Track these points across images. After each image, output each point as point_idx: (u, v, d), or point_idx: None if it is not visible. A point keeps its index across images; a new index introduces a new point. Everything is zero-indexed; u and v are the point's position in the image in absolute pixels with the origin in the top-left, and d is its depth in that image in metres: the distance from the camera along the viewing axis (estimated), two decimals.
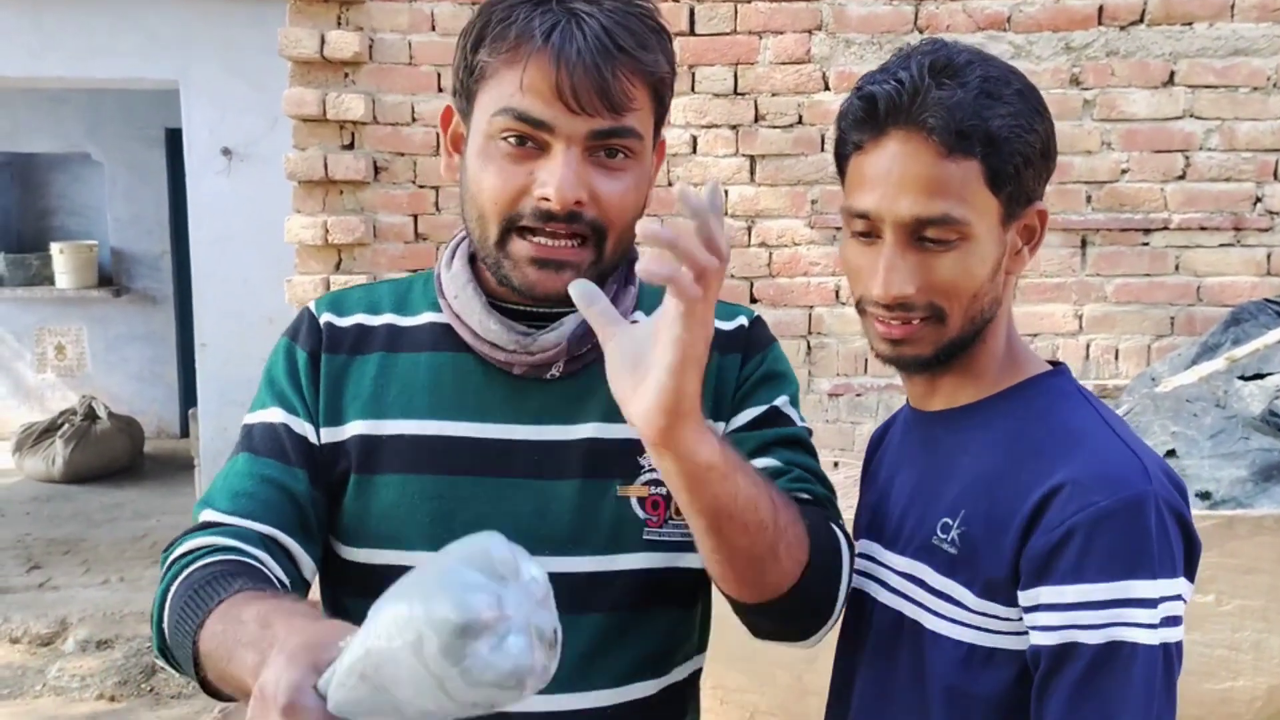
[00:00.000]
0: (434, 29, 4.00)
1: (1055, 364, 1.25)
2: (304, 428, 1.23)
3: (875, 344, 1.21)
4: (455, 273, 1.26)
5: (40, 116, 8.05)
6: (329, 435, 1.23)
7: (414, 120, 4.01)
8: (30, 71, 5.42)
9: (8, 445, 7.47)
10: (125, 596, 5.18)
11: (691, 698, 1.35)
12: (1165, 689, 1.07)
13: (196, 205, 5.32)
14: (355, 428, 1.22)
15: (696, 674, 1.35)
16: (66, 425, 7.34)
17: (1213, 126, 3.85)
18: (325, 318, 1.28)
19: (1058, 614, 1.07)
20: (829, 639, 1.31)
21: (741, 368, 1.28)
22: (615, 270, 1.24)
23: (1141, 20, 3.84)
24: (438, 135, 3.98)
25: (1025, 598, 1.09)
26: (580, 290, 0.98)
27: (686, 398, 0.91)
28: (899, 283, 1.13)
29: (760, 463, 1.20)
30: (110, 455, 7.40)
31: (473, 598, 0.72)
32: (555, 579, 1.04)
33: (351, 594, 1.24)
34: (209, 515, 1.18)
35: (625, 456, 1.22)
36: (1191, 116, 3.85)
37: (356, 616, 1.15)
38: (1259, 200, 3.86)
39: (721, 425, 1.26)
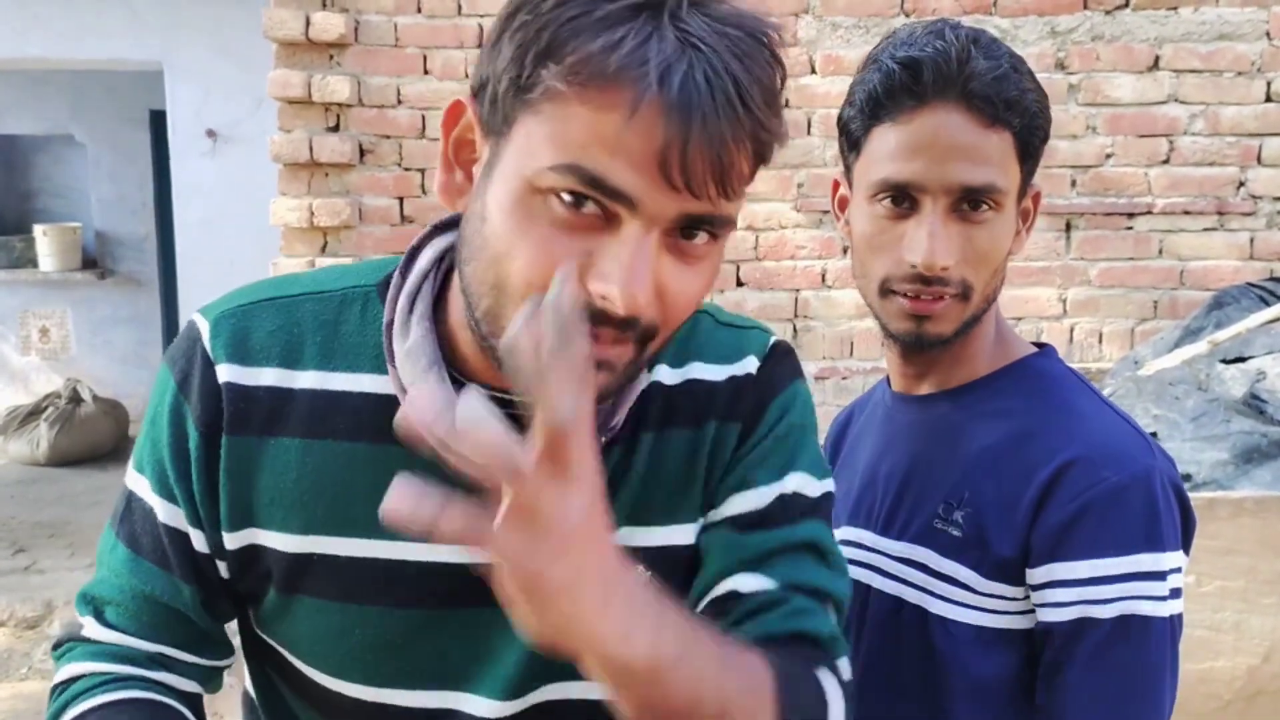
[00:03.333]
0: (419, 10, 3.97)
1: (1040, 345, 1.25)
2: (186, 527, 0.99)
3: (896, 323, 1.16)
4: (414, 347, 0.93)
5: (23, 98, 7.98)
6: (236, 540, 0.98)
7: (399, 102, 4.00)
8: (13, 52, 5.38)
9: None
10: None
11: None
12: (1173, 659, 1.09)
13: (181, 187, 5.30)
14: (275, 540, 0.97)
15: None
16: (51, 408, 7.31)
17: (1197, 111, 3.86)
18: (225, 372, 0.96)
19: (1070, 590, 1.07)
20: None
21: (741, 441, 1.00)
22: None
23: (1126, 5, 3.84)
24: (424, 117, 4.01)
25: (1035, 575, 1.09)
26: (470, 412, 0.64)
27: (572, 629, 0.67)
28: (943, 252, 1.10)
29: (748, 584, 0.95)
30: (95, 438, 7.37)
31: None
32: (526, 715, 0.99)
33: (278, 673, 1.07)
34: (94, 631, 1.01)
35: None
36: (1176, 101, 3.86)
37: (283, 690, 1.08)
38: (1242, 185, 3.88)
39: (698, 525, 0.99)
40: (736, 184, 0.82)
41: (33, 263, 8.12)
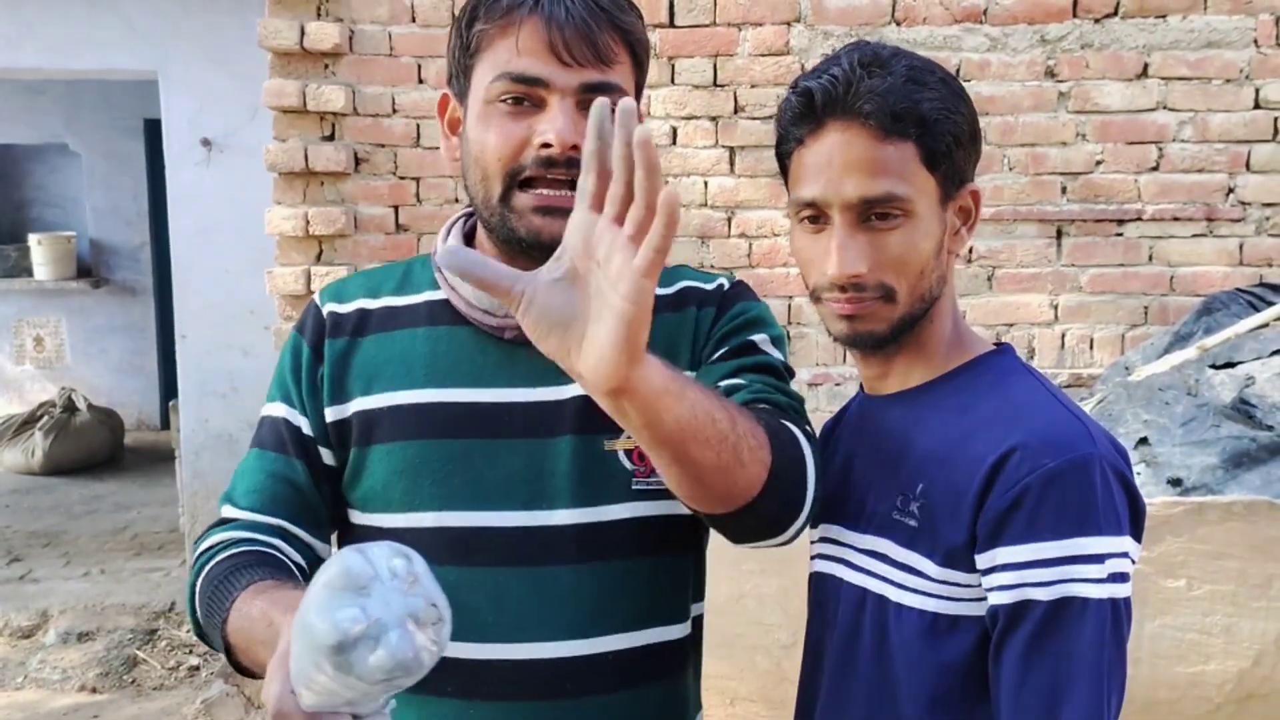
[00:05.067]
0: (414, 20, 4.00)
1: (999, 344, 1.31)
2: (299, 420, 1.34)
3: (832, 326, 1.26)
4: (450, 241, 1.36)
5: (17, 107, 7.99)
6: (335, 414, 1.33)
7: (394, 111, 4.02)
8: (7, 62, 5.38)
9: None
10: (106, 588, 5.18)
11: (696, 643, 1.42)
12: (1115, 643, 1.12)
13: (176, 196, 5.29)
14: (357, 404, 1.32)
15: (700, 619, 1.42)
16: (46, 417, 7.31)
17: (1186, 118, 3.89)
18: (329, 307, 1.37)
19: (1013, 573, 1.12)
20: (804, 627, 1.35)
21: (716, 320, 1.35)
22: None
23: (1116, 13, 3.87)
24: (418, 126, 4.03)
25: (983, 560, 1.14)
26: (456, 259, 0.93)
27: (643, 341, 0.90)
28: (851, 261, 1.19)
29: (724, 384, 1.26)
30: (90, 447, 7.38)
31: (339, 616, 0.85)
32: (555, 531, 1.28)
33: None
34: (228, 511, 1.34)
35: None
36: (1165, 108, 3.89)
37: None
38: (1231, 191, 3.90)
39: (691, 374, 1.30)
40: (609, 54, 1.23)
41: (27, 272, 8.13)
